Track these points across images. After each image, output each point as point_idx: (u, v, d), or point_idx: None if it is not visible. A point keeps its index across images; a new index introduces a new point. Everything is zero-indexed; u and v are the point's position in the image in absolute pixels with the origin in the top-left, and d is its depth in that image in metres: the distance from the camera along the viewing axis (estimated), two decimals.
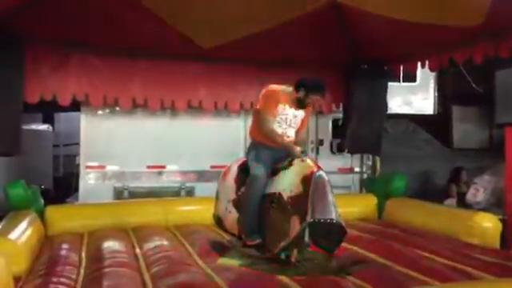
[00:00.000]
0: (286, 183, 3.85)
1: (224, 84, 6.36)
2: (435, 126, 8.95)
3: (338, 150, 7.56)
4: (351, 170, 7.58)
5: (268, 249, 3.95)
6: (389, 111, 7.72)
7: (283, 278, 3.49)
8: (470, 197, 6.47)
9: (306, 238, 3.77)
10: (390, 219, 6.03)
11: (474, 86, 8.00)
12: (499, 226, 4.83)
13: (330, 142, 7.69)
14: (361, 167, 7.55)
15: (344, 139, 7.04)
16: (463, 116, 9.05)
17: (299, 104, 4.08)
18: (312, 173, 3.69)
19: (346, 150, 7.20)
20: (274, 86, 4.13)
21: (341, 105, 7.15)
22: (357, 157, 7.49)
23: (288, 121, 4.11)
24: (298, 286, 3.26)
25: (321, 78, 4.24)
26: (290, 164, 3.96)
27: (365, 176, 7.52)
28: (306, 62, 6.55)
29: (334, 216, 3.57)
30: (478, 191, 6.35)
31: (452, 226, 5.06)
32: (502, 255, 4.17)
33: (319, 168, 3.77)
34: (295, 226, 3.68)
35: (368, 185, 7.16)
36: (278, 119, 4.07)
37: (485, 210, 5.61)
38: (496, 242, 4.75)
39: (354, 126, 6.77)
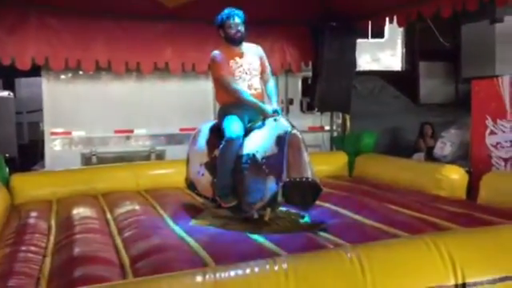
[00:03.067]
0: (260, 143, 3.82)
1: (191, 45, 6.20)
2: (403, 82, 9.01)
3: (308, 108, 7.55)
4: (321, 129, 7.60)
5: (243, 210, 3.95)
6: (357, 68, 7.72)
7: (257, 237, 3.50)
8: (437, 150, 6.61)
9: (280, 197, 3.78)
10: (360, 176, 6.13)
11: (441, 40, 8.03)
12: (466, 177, 4.97)
13: (299, 101, 7.66)
14: (331, 125, 7.59)
15: (314, 98, 7.03)
16: (430, 71, 9.13)
17: (231, 41, 3.99)
18: (286, 132, 3.66)
19: (316, 109, 7.20)
20: (215, 51, 4.06)
21: (310, 63, 7.10)
22: (327, 115, 7.50)
23: (247, 71, 4.03)
24: (272, 244, 3.28)
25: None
26: (263, 123, 3.92)
27: (335, 134, 7.57)
28: (274, 20, 6.44)
29: (309, 174, 3.57)
30: (445, 145, 6.48)
31: (420, 180, 5.19)
32: (468, 206, 4.30)
33: (293, 127, 3.74)
34: (270, 185, 3.68)
35: (338, 143, 7.23)
36: (237, 75, 3.99)
37: (452, 162, 5.74)
38: (463, 194, 4.89)
39: (324, 84, 6.75)
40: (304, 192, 3.66)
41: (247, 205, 3.87)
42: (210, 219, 4.08)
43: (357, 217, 4.03)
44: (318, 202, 4.14)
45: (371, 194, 4.88)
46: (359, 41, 7.10)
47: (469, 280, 2.08)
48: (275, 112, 3.90)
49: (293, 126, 3.73)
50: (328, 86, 6.73)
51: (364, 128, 7.13)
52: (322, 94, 6.82)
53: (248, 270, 1.92)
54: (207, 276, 1.88)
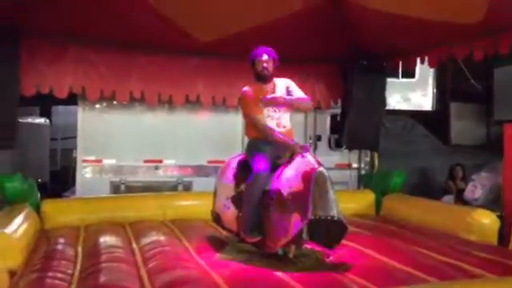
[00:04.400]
0: (287, 179, 3.82)
1: (222, 79, 6.32)
2: (433, 122, 8.94)
3: (336, 145, 7.54)
4: (349, 166, 7.56)
5: (267, 245, 3.92)
6: (387, 107, 7.71)
7: (281, 274, 3.47)
8: (467, 193, 6.46)
9: (305, 235, 3.75)
10: (387, 215, 6.02)
11: (473, 82, 7.98)
12: (497, 222, 4.82)
13: (328, 138, 7.66)
14: (359, 163, 7.54)
15: (342, 135, 7.02)
16: (461, 112, 9.05)
17: (261, 78, 4.07)
18: (312, 169, 3.66)
19: (344, 146, 7.18)
20: (245, 87, 4.15)
21: (339, 100, 7.13)
22: (355, 152, 7.47)
23: (275, 108, 4.07)
24: (296, 283, 3.24)
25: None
26: (290, 160, 3.94)
27: (363, 172, 7.50)
28: (304, 58, 6.52)
29: (335, 213, 3.54)
30: (476, 188, 6.34)
31: (450, 223, 5.06)
32: (500, 252, 4.16)
33: (320, 164, 3.74)
34: (295, 222, 3.66)
35: (366, 181, 7.15)
36: (265, 113, 4.04)
37: (483, 206, 5.60)
38: (494, 239, 4.74)
39: (352, 121, 6.74)
40: (329, 230, 3.62)
41: (272, 241, 3.85)
42: (235, 254, 4.07)
43: (383, 258, 3.94)
44: (343, 241, 4.10)
45: (398, 235, 4.79)
46: (390, 80, 7.11)
47: None
48: (303, 148, 3.92)
49: (320, 164, 3.74)
50: (357, 123, 6.72)
51: (392, 167, 7.05)
52: (350, 131, 6.80)
53: None
54: None
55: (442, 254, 4.01)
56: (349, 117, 6.80)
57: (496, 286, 2.45)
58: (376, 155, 7.27)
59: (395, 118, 8.15)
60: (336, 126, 7.47)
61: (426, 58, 5.93)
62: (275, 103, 4.04)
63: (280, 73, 4.23)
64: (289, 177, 3.81)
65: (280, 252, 3.94)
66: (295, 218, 3.66)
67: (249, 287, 3.07)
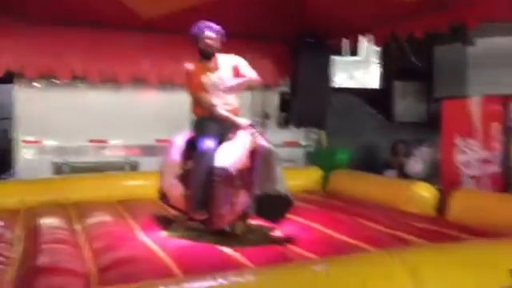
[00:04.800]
0: (233, 156, 3.82)
1: (168, 56, 6.20)
2: (378, 100, 9.15)
3: (285, 123, 7.59)
4: (297, 144, 7.65)
5: (215, 223, 3.93)
6: (334, 85, 7.82)
7: (228, 250, 3.49)
8: (409, 168, 6.71)
9: (251, 211, 3.78)
10: (333, 191, 6.18)
11: (413, 60, 8.21)
12: (436, 195, 5.05)
13: (276, 116, 7.69)
14: (306, 141, 7.64)
15: (290, 113, 7.08)
16: (404, 91, 9.29)
17: (205, 55, 4.00)
18: (259, 146, 3.68)
19: (293, 124, 7.25)
20: (188, 64, 4.08)
21: (287, 79, 7.17)
22: (303, 130, 7.56)
23: (219, 86, 4.03)
24: (242, 257, 3.27)
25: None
26: (237, 137, 3.93)
27: (310, 150, 7.62)
28: (251, 35, 6.49)
29: (281, 188, 3.59)
30: (417, 162, 6.60)
31: (392, 196, 5.25)
32: (436, 222, 4.37)
33: (266, 141, 3.76)
34: (242, 199, 3.68)
35: (313, 158, 7.29)
36: (209, 91, 4.00)
37: (423, 180, 5.83)
38: (433, 211, 4.96)
39: (300, 99, 6.81)
40: (275, 205, 3.67)
41: (219, 218, 3.86)
42: (182, 231, 4.06)
43: (326, 230, 4.05)
44: (289, 216, 4.17)
45: (342, 209, 4.93)
46: (336, 58, 7.21)
47: None
48: (249, 125, 3.92)
49: (266, 140, 3.76)
50: (304, 101, 6.79)
51: (339, 144, 7.20)
52: (298, 110, 6.88)
53: (213, 282, 1.91)
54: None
55: (382, 224, 4.16)
56: (297, 95, 6.87)
57: (431, 252, 2.56)
58: (323, 133, 7.39)
59: (342, 96, 8.29)
60: (285, 105, 7.51)
61: (371, 36, 6.05)
62: (231, 91, 4.00)
63: (227, 50, 4.17)
64: (235, 154, 3.81)
65: (227, 229, 3.95)
66: (241, 194, 3.69)
67: (195, 264, 3.06)
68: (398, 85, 9.32)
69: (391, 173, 7.05)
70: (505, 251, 2.46)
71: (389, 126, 8.74)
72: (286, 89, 7.35)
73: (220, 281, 1.92)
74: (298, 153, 7.64)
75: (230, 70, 4.08)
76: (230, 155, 3.84)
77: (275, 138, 7.15)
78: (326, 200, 5.60)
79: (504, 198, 4.55)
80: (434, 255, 2.49)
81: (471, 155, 5.25)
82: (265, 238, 3.89)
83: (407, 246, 3.29)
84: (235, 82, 4.03)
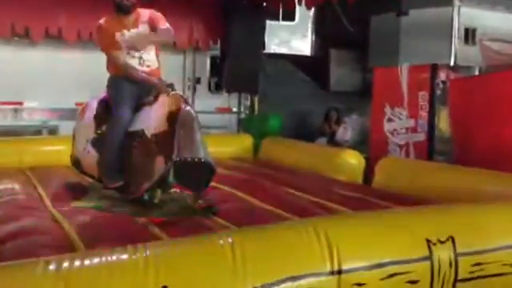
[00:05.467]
0: (150, 119, 3.54)
1: (88, 11, 5.69)
2: (313, 67, 9.07)
3: (216, 88, 7.34)
4: (229, 110, 7.44)
5: (131, 191, 3.67)
6: (268, 51, 7.62)
7: (141, 220, 3.25)
8: (339, 135, 6.72)
9: (171, 178, 3.55)
10: (264, 159, 6.07)
11: (349, 28, 8.14)
12: (363, 162, 5.05)
13: (207, 81, 7.42)
14: (238, 107, 7.44)
15: (221, 77, 6.84)
16: (340, 59, 9.27)
17: (120, 9, 3.62)
18: (178, 108, 3.42)
19: (224, 89, 7.02)
20: (101, 20, 3.71)
21: (219, 41, 6.88)
22: (235, 96, 7.34)
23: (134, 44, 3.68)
24: (155, 228, 3.05)
25: None
26: (155, 99, 3.65)
27: (242, 116, 7.44)
28: None
29: (202, 154, 3.36)
30: (347, 130, 6.61)
31: (321, 164, 5.21)
32: (362, 190, 4.35)
33: (187, 103, 3.51)
34: (160, 165, 3.44)
35: (245, 125, 7.13)
36: (125, 50, 3.66)
37: (352, 147, 5.83)
38: (359, 178, 4.96)
39: (232, 64, 6.59)
40: (196, 173, 3.45)
41: (135, 185, 3.61)
42: (96, 201, 3.77)
43: (252, 200, 3.90)
44: (215, 185, 3.99)
45: (271, 177, 4.80)
46: (270, 23, 7.00)
47: (345, 266, 1.99)
48: (169, 86, 3.64)
49: (187, 103, 3.51)
50: (236, 66, 6.58)
51: (272, 111, 7.06)
52: (229, 74, 6.66)
53: (102, 258, 1.68)
54: (50, 266, 1.61)
55: (308, 193, 4.07)
56: (228, 59, 6.63)
57: (353, 220, 2.45)
58: (256, 99, 7.21)
59: (276, 62, 8.12)
60: (216, 69, 7.24)
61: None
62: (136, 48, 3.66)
63: (154, 9, 3.82)
64: (153, 117, 3.55)
65: (145, 197, 3.70)
66: (159, 160, 3.44)
67: (100, 235, 2.80)
68: (334, 53, 9.29)
69: (323, 140, 7.03)
70: (421, 220, 2.39)
71: (323, 95, 8.71)
72: (217, 53, 7.07)
73: (110, 257, 1.69)
74: (231, 119, 7.45)
75: (146, 24, 3.73)
76: (147, 119, 3.57)
77: (207, 104, 6.98)
78: (256, 168, 5.46)
79: (428, 165, 4.60)
80: (347, 224, 2.38)
81: (398, 123, 5.27)
82: (185, 208, 3.67)
83: (329, 215, 3.19)
84: (152, 37, 3.69)
